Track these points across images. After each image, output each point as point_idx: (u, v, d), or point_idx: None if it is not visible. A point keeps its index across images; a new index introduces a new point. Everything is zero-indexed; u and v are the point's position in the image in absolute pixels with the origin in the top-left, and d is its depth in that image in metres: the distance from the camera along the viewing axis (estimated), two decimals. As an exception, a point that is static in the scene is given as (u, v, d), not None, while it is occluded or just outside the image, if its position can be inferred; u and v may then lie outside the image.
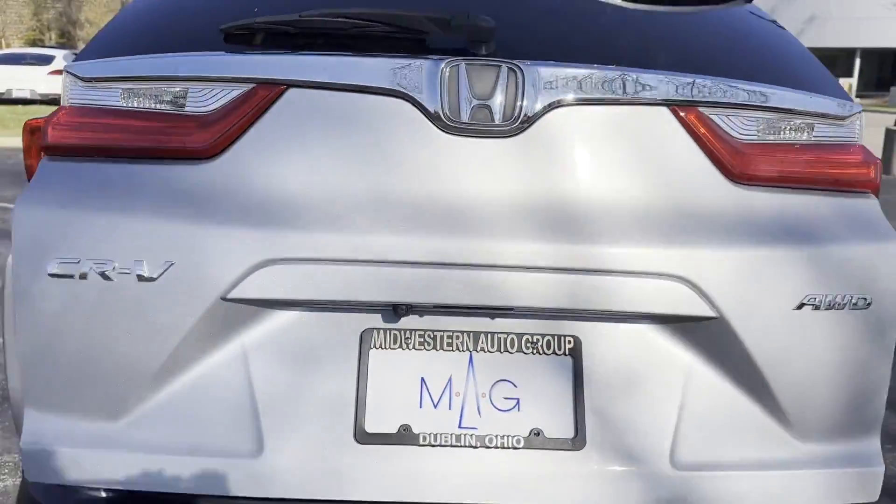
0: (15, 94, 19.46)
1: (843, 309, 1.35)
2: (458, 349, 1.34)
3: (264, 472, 1.28)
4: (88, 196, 1.32)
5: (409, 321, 1.34)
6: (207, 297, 1.27)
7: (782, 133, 1.42)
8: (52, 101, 19.89)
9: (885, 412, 3.44)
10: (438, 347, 1.34)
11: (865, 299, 1.36)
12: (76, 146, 1.37)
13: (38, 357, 1.32)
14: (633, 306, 1.31)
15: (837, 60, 37.06)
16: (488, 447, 1.30)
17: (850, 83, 32.56)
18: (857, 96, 33.02)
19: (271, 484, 1.28)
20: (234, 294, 1.28)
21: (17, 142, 12.47)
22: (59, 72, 19.32)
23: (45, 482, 1.31)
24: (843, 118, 1.46)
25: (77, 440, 1.31)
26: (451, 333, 1.35)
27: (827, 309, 1.34)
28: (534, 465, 1.31)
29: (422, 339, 1.34)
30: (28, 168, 1.56)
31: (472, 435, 1.31)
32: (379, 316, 1.34)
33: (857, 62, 36.47)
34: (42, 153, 1.41)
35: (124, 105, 1.35)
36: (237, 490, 1.28)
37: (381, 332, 1.34)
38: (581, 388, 1.33)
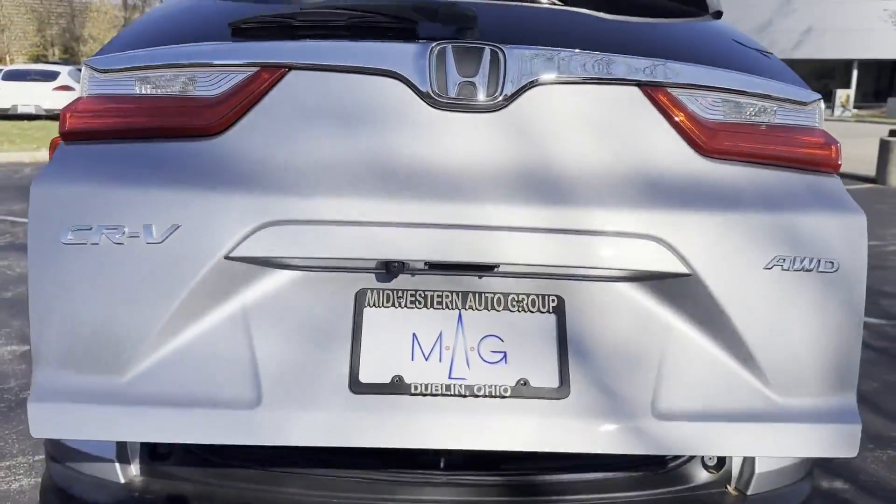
0: (21, 110, 19.59)
1: (811, 271, 1.43)
2: (447, 307, 1.43)
3: (262, 421, 1.35)
4: (101, 171, 1.42)
5: (401, 282, 1.43)
6: (211, 256, 1.35)
7: (748, 114, 1.53)
8: (58, 116, 20.01)
9: (865, 412, 3.55)
10: (429, 306, 1.43)
11: (832, 263, 1.45)
12: (93, 130, 1.48)
13: (48, 319, 1.37)
14: (611, 263, 1.40)
15: (835, 72, 37.17)
16: (477, 396, 1.38)
17: (847, 94, 32.56)
18: (854, 107, 33.07)
19: (269, 432, 1.34)
20: (236, 253, 1.36)
21: (23, 157, 12.61)
22: (64, 87, 19.53)
23: (49, 437, 1.36)
24: (805, 103, 1.57)
25: (83, 396, 1.36)
26: (440, 293, 1.43)
27: (795, 270, 1.43)
28: (520, 413, 1.38)
29: (413, 299, 1.43)
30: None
31: (461, 385, 1.38)
32: (373, 276, 1.43)
33: (855, 73, 36.58)
34: (60, 141, 1.51)
35: (138, 92, 1.47)
36: (235, 439, 1.34)
37: (375, 291, 1.43)
38: (565, 342, 1.41)
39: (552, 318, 1.43)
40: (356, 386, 1.37)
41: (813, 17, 35.18)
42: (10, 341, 4.11)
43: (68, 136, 1.49)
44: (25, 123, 18.16)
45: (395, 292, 1.43)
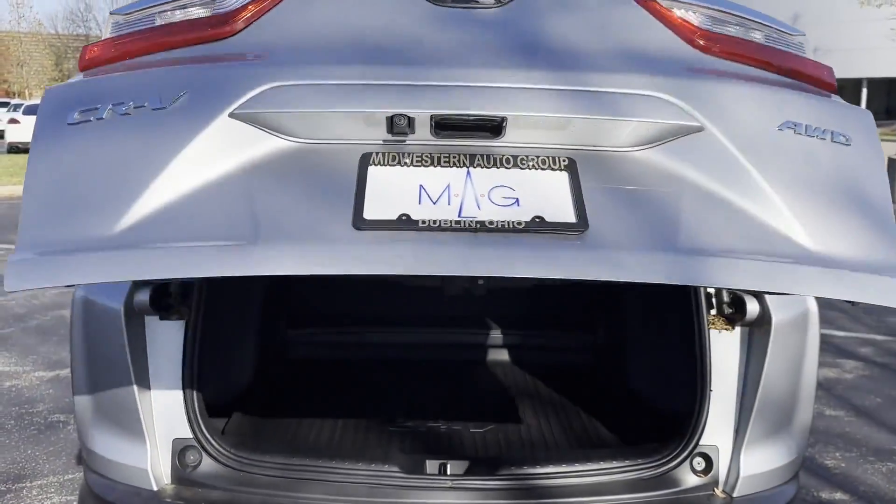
0: (39, 144, 20.00)
1: (825, 140, 1.45)
2: (455, 165, 1.41)
3: (259, 253, 1.28)
4: (113, 68, 1.52)
5: (406, 145, 1.42)
6: (216, 114, 1.37)
7: (736, 29, 1.65)
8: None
9: (867, 426, 3.61)
10: (436, 164, 1.41)
11: (845, 137, 1.49)
12: (112, 57, 1.59)
13: (43, 186, 1.34)
14: (621, 115, 1.42)
15: (844, 91, 36.96)
16: (489, 230, 1.31)
17: (857, 113, 32.53)
18: (865, 125, 32.99)
19: (266, 262, 1.27)
20: (241, 110, 1.38)
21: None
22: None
23: (28, 288, 1.26)
24: (791, 35, 1.70)
25: (71, 246, 1.28)
26: (447, 153, 1.42)
27: (809, 136, 1.45)
28: (536, 243, 1.31)
29: (419, 158, 1.41)
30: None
31: (472, 220, 1.32)
32: (378, 141, 1.43)
33: (865, 92, 36.60)
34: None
35: (158, 22, 1.59)
36: (231, 270, 1.26)
37: (380, 153, 1.41)
38: (579, 191, 1.38)
39: (564, 174, 1.42)
40: (360, 222, 1.31)
41: (819, 37, 35.14)
42: (37, 367, 4.27)
43: (88, 66, 1.60)
44: (45, 156, 18.50)
45: (400, 153, 1.42)
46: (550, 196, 1.38)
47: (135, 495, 1.73)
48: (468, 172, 1.40)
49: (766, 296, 1.81)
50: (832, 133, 1.46)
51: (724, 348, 1.81)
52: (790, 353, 1.81)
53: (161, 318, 1.81)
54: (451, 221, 1.32)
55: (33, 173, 1.35)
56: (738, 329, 1.83)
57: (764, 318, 1.79)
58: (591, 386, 2.60)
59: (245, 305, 2.53)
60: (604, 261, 1.29)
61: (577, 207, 1.35)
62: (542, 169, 1.42)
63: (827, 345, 4.55)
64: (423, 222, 1.31)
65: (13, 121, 20.73)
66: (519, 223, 1.32)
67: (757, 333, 1.81)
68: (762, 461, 1.78)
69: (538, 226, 1.32)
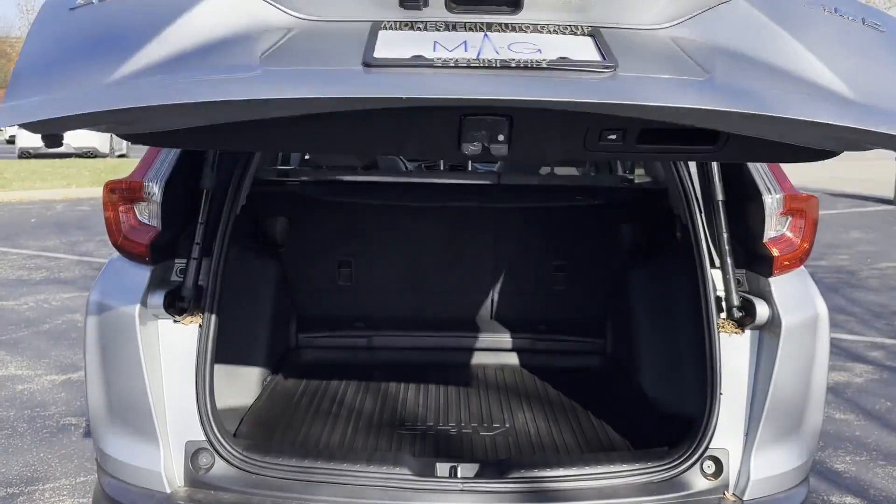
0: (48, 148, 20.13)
1: (857, 21, 1.42)
2: (471, 30, 1.36)
3: (264, 79, 1.24)
4: None
5: (419, 15, 1.38)
6: None
7: None
8: (86, 154, 20.58)
9: (877, 430, 3.61)
10: (451, 30, 1.36)
11: (878, 24, 1.43)
12: None
13: (37, 55, 1.32)
14: None
15: (853, 93, 37.00)
16: (510, 67, 1.24)
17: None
18: (874, 128, 32.85)
19: (269, 87, 1.22)
20: None
21: (55, 194, 13.02)
22: (92, 126, 20.05)
23: (18, 122, 1.23)
24: None
25: (68, 89, 1.25)
26: (463, 23, 1.38)
27: (841, 15, 1.42)
28: (562, 76, 1.25)
29: (434, 26, 1.37)
30: (107, 220, 1.87)
31: (491, 59, 1.25)
32: (389, 18, 1.38)
33: (874, 95, 36.47)
34: None
35: None
36: (237, 94, 1.21)
37: (391, 21, 1.37)
38: (607, 48, 1.33)
39: (588, 38, 1.37)
40: (370, 59, 1.25)
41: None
42: (49, 371, 4.30)
43: None
44: (58, 161, 18.68)
45: (413, 22, 1.38)
46: (575, 48, 1.33)
47: (148, 497, 1.75)
48: (486, 35, 1.35)
49: (776, 299, 1.82)
50: (864, 19, 1.44)
51: (734, 352, 1.83)
52: (800, 356, 1.82)
53: (174, 322, 1.84)
54: (468, 60, 1.24)
55: (27, 49, 1.33)
56: (748, 332, 1.84)
57: (774, 321, 1.80)
58: (601, 389, 2.61)
59: (256, 310, 2.56)
60: (638, 88, 1.24)
61: (603, 52, 1.31)
62: (564, 34, 1.37)
63: (836, 349, 4.55)
64: (439, 60, 1.24)
65: (24, 126, 20.86)
66: (541, 62, 1.25)
67: (767, 337, 1.82)
68: (772, 464, 1.79)
69: (563, 63, 1.25)
